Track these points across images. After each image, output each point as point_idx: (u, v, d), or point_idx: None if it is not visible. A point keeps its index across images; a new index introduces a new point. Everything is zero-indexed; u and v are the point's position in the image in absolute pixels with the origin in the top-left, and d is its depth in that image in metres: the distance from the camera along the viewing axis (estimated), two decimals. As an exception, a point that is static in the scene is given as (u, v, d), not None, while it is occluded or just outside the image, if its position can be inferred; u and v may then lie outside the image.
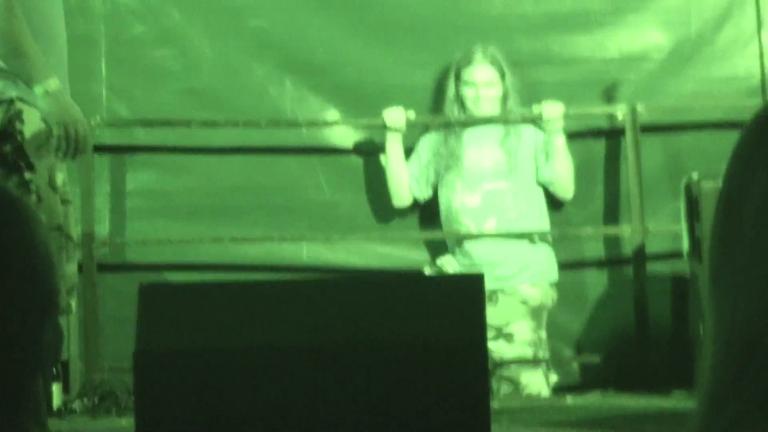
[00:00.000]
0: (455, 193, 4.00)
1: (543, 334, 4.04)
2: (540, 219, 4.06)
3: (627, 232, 3.96)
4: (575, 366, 4.19)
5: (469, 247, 3.99)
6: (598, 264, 4.27)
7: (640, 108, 3.86)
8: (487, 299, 3.24)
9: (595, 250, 4.26)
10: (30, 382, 1.19)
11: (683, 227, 3.55)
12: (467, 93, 3.99)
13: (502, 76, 3.99)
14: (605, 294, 4.25)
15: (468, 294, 2.50)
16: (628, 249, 4.11)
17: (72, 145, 3.03)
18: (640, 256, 3.98)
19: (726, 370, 0.92)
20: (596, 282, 4.27)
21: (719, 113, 4.05)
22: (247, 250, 4.30)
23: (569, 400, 3.82)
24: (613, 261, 4.27)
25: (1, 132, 2.95)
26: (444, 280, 3.14)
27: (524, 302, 3.99)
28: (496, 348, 3.88)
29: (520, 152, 4.00)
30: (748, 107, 3.70)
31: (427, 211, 4.23)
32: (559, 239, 4.14)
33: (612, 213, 4.22)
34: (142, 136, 4.31)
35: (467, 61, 3.99)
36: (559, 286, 4.08)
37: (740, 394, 0.90)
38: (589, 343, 4.20)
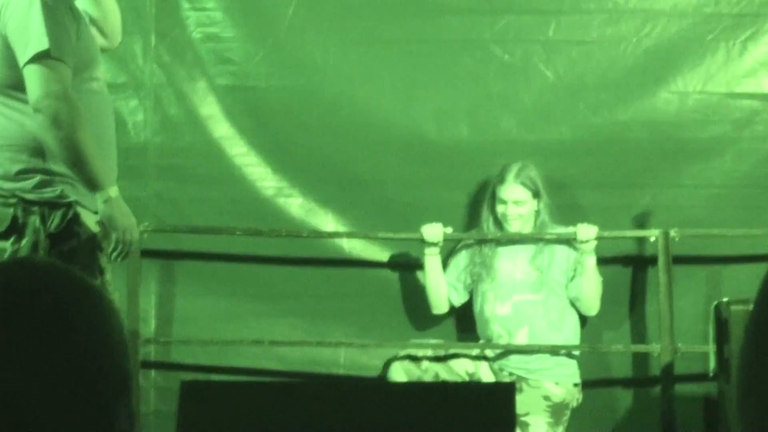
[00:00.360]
0: (487, 302, 4.09)
1: (561, 431, 4.07)
2: (572, 330, 4.13)
3: (656, 350, 4.00)
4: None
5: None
6: (626, 382, 4.32)
7: (673, 233, 3.94)
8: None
9: (624, 368, 4.31)
10: None
11: (710, 348, 3.60)
12: (498, 209, 4.10)
13: (535, 194, 4.08)
14: (632, 412, 4.30)
15: (500, 402, 2.49)
16: (656, 368, 4.15)
17: (126, 249, 3.14)
18: (669, 374, 4.01)
19: None
20: (623, 399, 4.32)
21: (748, 244, 4.14)
22: (286, 352, 4.40)
23: None
24: (641, 380, 4.32)
25: (59, 233, 3.05)
26: (476, 387, 3.16)
27: (546, 398, 4.03)
28: None
29: (552, 268, 4.09)
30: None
31: (462, 316, 4.36)
32: (588, 354, 4.22)
33: (640, 334, 4.30)
34: (188, 242, 4.44)
35: (501, 179, 4.08)
36: (586, 401, 4.14)
37: None
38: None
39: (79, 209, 3.09)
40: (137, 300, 4.19)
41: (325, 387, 3.40)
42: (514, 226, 4.08)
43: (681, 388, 4.10)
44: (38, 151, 3.11)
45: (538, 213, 4.13)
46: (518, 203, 4.07)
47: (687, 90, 4.28)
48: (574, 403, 4.08)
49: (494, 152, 4.34)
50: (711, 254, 4.31)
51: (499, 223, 4.15)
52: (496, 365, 4.13)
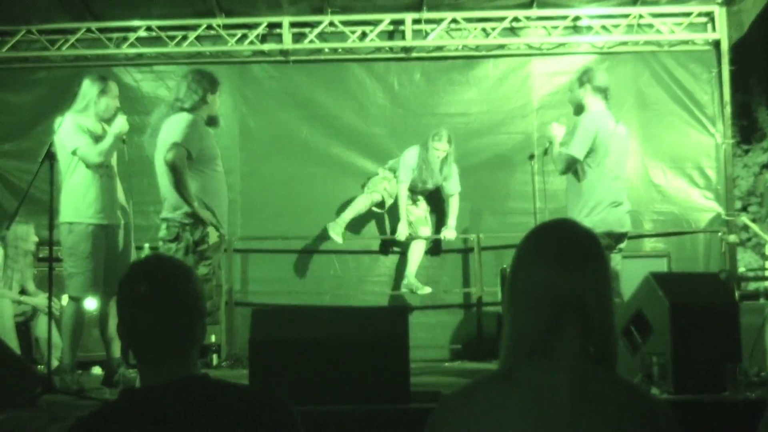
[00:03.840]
0: (416, 186, 8.25)
1: None
2: None
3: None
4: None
5: None
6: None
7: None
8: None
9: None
10: (191, 351, 2.18)
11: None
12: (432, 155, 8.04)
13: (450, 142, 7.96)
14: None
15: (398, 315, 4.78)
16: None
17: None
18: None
19: (509, 347, 1.91)
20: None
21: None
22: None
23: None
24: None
25: (198, 240, 5.63)
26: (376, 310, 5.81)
27: None
28: None
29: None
30: None
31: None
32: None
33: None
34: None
35: (439, 136, 7.98)
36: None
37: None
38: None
39: (209, 228, 5.69)
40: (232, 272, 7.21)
41: (331, 309, 6.18)
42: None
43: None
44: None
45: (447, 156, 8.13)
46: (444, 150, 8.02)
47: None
48: None
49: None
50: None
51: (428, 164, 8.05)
52: None
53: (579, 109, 6.36)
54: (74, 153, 5.85)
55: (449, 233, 8.18)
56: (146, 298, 2.10)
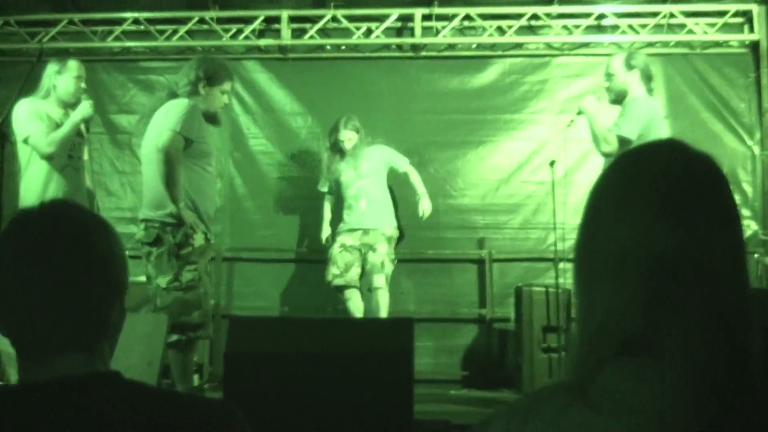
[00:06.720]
0: (344, 188, 7.04)
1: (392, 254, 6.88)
2: (387, 196, 7.15)
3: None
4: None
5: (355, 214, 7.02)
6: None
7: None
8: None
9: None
10: (100, 344, 1.49)
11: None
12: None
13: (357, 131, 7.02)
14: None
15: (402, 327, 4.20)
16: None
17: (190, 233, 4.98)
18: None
19: (586, 342, 1.20)
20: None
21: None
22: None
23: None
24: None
25: (182, 242, 4.92)
26: (379, 322, 5.03)
27: (383, 234, 6.95)
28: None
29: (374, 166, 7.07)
30: None
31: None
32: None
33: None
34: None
35: (336, 128, 7.06)
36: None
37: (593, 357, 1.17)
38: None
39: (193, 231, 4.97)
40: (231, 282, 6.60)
41: (315, 320, 5.31)
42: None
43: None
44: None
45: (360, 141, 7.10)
46: (350, 139, 7.09)
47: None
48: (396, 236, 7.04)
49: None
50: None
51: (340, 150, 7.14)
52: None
53: (621, 96, 5.67)
54: (26, 141, 5.22)
55: (425, 203, 7.07)
56: (36, 257, 1.40)
